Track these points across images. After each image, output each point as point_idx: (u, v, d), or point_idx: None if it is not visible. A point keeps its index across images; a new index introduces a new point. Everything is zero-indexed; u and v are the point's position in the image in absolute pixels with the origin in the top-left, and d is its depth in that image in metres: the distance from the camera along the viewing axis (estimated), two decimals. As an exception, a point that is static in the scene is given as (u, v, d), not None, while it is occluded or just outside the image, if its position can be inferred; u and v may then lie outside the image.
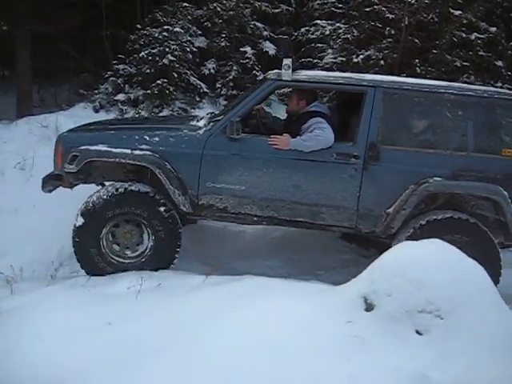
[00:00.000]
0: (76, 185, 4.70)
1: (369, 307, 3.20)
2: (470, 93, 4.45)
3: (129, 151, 4.33)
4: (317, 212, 4.41)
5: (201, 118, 4.93)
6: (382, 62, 8.40)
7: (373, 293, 3.20)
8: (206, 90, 9.23)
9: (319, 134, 4.31)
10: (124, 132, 4.58)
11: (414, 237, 4.22)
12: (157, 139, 4.41)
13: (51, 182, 4.69)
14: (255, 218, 4.49)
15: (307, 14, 10.64)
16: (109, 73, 9.73)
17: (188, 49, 9.23)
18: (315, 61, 9.07)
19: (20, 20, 9.85)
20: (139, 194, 4.33)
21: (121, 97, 9.12)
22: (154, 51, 8.97)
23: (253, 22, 10.26)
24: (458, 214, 4.37)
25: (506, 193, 4.30)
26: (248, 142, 4.40)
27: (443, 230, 4.23)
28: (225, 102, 9.05)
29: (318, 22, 9.40)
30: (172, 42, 8.95)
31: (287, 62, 4.33)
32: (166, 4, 10.09)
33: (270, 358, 2.94)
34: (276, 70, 4.53)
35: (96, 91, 9.70)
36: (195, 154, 4.37)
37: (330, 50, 9.18)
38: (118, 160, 4.35)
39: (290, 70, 4.34)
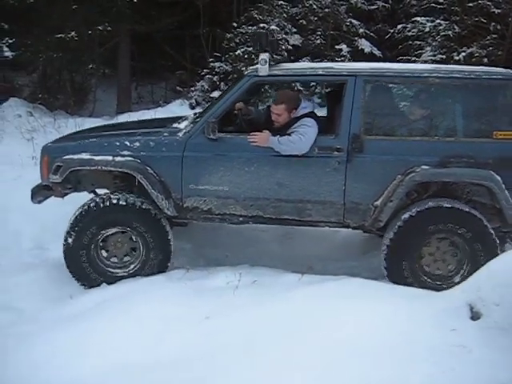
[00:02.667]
0: (67, 194, 4.65)
1: (475, 316, 3.03)
2: (457, 75, 4.18)
3: (110, 158, 4.27)
4: (302, 208, 4.27)
5: (185, 119, 4.81)
6: (486, 59, 8.04)
7: (480, 301, 3.03)
8: (300, 87, 9.21)
9: (295, 141, 4.14)
10: (105, 139, 4.51)
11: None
12: (137, 144, 4.33)
13: (41, 192, 4.63)
14: (240, 218, 4.39)
15: (404, 11, 10.40)
16: (205, 70, 9.93)
17: (283, 47, 9.24)
18: (413, 58, 8.84)
19: (122, 20, 10.25)
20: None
21: (216, 94, 9.27)
22: (249, 49, 9.05)
23: (348, 20, 10.14)
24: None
25: (498, 178, 4.03)
26: (227, 141, 4.28)
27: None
28: (318, 101, 9.00)
29: (418, 18, 9.13)
30: (268, 40, 8.98)
31: (264, 56, 4.17)
32: (262, 2, 10.15)
33: (360, 361, 2.86)
34: (253, 67, 4.36)
35: (192, 88, 9.94)
36: (176, 157, 4.28)
37: (428, 48, 8.91)
38: (99, 168, 4.32)
39: (267, 65, 4.16)
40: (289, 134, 4.20)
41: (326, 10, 9.89)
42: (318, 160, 4.18)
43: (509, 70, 4.27)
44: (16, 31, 9.85)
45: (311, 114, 4.37)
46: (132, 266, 4.43)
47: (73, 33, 9.67)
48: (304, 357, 2.91)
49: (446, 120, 4.22)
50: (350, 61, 9.23)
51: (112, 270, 4.44)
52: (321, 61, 9.28)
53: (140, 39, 11.50)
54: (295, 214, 4.30)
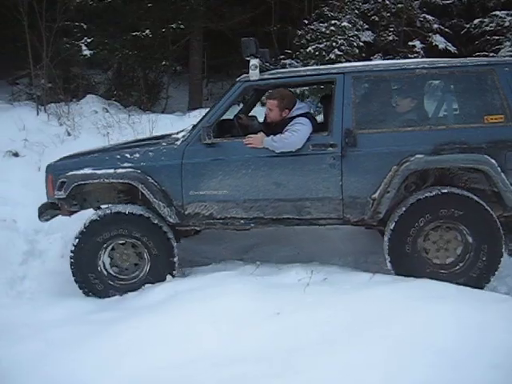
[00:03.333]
0: (74, 212, 4.79)
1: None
2: (443, 64, 4.26)
3: (112, 171, 4.43)
4: (302, 207, 4.33)
5: (181, 131, 4.86)
6: None
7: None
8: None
9: (287, 137, 4.24)
10: (106, 154, 4.69)
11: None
12: (137, 155, 4.48)
13: (49, 211, 4.78)
14: (242, 221, 4.45)
15: (481, 4, 10.07)
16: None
17: (355, 43, 9.15)
18: (491, 54, 8.55)
19: (196, 18, 10.42)
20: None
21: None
22: (320, 46, 9.04)
23: (422, 15, 9.91)
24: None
25: (493, 161, 4.05)
26: (224, 145, 4.39)
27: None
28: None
29: (497, 12, 8.82)
30: (339, 37, 8.95)
31: (254, 62, 4.29)
32: (333, -1, 10.08)
33: (437, 362, 2.82)
34: (245, 74, 4.43)
35: (262, 85, 9.94)
36: (175, 165, 4.40)
37: (507, 43, 8.59)
38: (102, 180, 4.46)
39: (257, 70, 4.29)
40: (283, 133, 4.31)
41: (399, 5, 9.70)
42: (313, 157, 4.27)
43: (494, 58, 4.44)
44: (93, 30, 10.19)
45: (306, 114, 4.47)
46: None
47: (147, 31, 9.93)
48: (379, 356, 2.89)
49: (437, 109, 4.34)
50: (423, 57, 9.02)
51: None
52: (393, 58, 9.14)
53: (211, 36, 11.65)
54: (295, 213, 4.36)
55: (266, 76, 4.44)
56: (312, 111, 4.83)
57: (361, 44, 9.35)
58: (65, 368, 3.13)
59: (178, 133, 4.88)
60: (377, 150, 4.21)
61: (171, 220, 4.44)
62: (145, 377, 2.97)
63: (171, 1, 10.13)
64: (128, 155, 4.51)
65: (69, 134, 7.90)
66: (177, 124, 8.31)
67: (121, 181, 4.47)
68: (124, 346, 3.26)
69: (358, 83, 4.31)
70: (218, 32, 11.49)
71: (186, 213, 4.43)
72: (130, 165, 4.45)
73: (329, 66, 4.65)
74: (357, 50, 9.18)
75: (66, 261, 4.57)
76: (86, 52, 9.61)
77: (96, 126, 8.13)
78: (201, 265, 4.94)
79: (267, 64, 4.89)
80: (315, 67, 4.70)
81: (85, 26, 10.05)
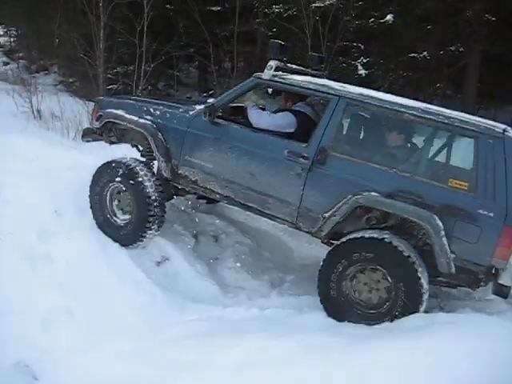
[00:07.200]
0: (114, 142, 5.61)
1: None
2: (431, 117, 4.15)
3: (136, 118, 5.10)
4: (265, 201, 4.62)
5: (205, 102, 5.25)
6: None
7: None
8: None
9: (261, 114, 4.84)
10: (139, 103, 5.31)
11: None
12: (158, 113, 5.10)
13: (92, 135, 5.65)
14: (217, 195, 4.90)
15: None
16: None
17: None
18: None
19: (476, 40, 9.99)
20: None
21: None
22: None
23: None
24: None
25: (439, 223, 3.98)
26: (222, 127, 4.79)
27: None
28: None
29: None
30: None
31: (272, 63, 4.64)
32: None
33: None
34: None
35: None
36: (181, 130, 4.94)
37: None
38: (127, 124, 5.17)
39: (272, 71, 4.62)
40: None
41: None
42: (286, 162, 4.49)
43: (487, 123, 4.03)
44: (370, 51, 10.44)
45: (297, 112, 4.86)
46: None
47: (424, 53, 9.80)
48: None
49: (410, 157, 4.36)
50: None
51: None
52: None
53: (489, 60, 11.05)
54: (259, 205, 4.68)
55: (276, 78, 4.70)
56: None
57: None
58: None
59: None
60: (341, 174, 4.32)
61: (165, 174, 5.04)
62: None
63: (452, 22, 9.87)
64: (152, 110, 5.16)
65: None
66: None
67: (138, 129, 5.11)
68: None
69: (349, 109, 4.43)
70: (497, 55, 10.83)
71: (179, 172, 5.01)
72: (150, 118, 5.10)
73: (332, 84, 4.58)
74: None
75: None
76: (362, 71, 9.94)
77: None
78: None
79: (316, 69, 5.34)
80: (321, 82, 4.60)
81: (362, 47, 10.37)
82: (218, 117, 4.82)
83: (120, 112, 5.26)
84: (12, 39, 21.55)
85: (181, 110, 5.12)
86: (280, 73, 4.75)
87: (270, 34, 11.56)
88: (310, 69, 5.28)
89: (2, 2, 17.42)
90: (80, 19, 11.68)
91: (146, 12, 9.96)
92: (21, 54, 19.01)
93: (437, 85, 10.51)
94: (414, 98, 10.83)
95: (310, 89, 4.61)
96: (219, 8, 12.32)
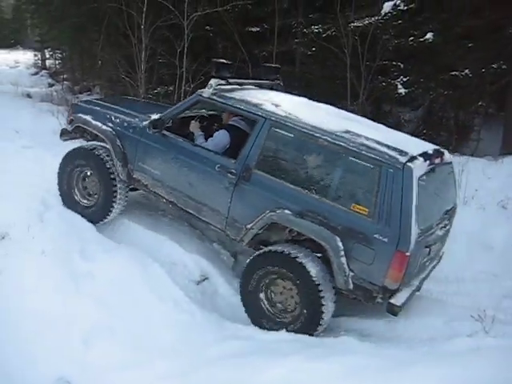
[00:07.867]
0: (90, 141, 6.00)
1: None
2: (342, 143, 4.42)
3: (100, 125, 5.60)
4: (200, 209, 5.08)
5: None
6: None
7: None
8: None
9: (205, 144, 5.24)
10: (105, 110, 5.76)
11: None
12: (118, 121, 5.57)
13: (69, 134, 6.18)
14: (164, 200, 5.38)
15: None
16: None
17: None
18: None
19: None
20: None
21: None
22: None
23: None
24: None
25: (340, 244, 4.31)
26: (169, 139, 5.23)
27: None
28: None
29: None
30: None
31: (212, 81, 5.05)
32: None
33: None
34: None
35: None
36: (135, 139, 5.40)
37: None
38: (91, 129, 5.68)
39: (211, 90, 5.04)
40: (211, 135, 5.34)
41: None
42: (217, 176, 4.90)
43: (394, 155, 4.25)
44: (409, 69, 10.36)
45: (231, 128, 5.32)
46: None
47: (466, 71, 9.67)
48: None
49: (321, 179, 4.50)
50: None
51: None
52: None
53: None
54: (196, 212, 5.13)
55: (214, 97, 5.08)
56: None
57: None
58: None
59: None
60: (262, 192, 4.68)
61: (121, 177, 5.46)
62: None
63: (493, 39, 9.73)
64: (113, 118, 5.62)
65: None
66: (488, 170, 7.92)
67: (100, 134, 5.59)
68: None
69: (272, 131, 4.69)
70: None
71: (133, 176, 5.46)
72: (111, 125, 5.57)
73: (263, 105, 4.88)
74: None
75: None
76: (401, 90, 9.88)
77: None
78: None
79: (273, 79, 6.01)
80: (255, 102, 4.90)
81: (401, 65, 10.30)
82: (167, 128, 5.28)
83: (88, 118, 5.78)
84: (57, 61, 22.25)
85: (137, 120, 5.55)
86: (228, 87, 5.19)
87: (309, 53, 11.60)
88: (268, 80, 5.97)
89: (48, 26, 18.03)
90: (122, 41, 11.99)
91: (186, 34, 10.16)
92: (65, 76, 19.63)
93: (479, 103, 10.32)
94: (454, 117, 10.74)
95: (241, 109, 4.96)
96: (258, 29, 12.43)
